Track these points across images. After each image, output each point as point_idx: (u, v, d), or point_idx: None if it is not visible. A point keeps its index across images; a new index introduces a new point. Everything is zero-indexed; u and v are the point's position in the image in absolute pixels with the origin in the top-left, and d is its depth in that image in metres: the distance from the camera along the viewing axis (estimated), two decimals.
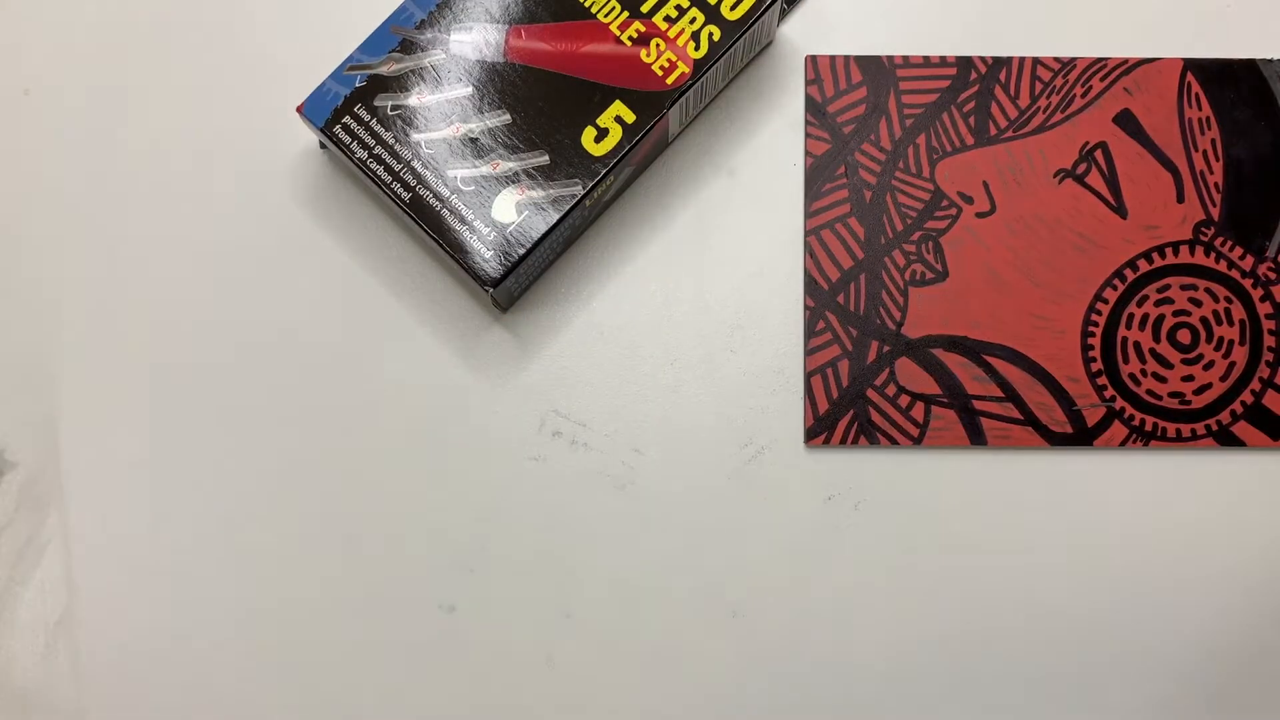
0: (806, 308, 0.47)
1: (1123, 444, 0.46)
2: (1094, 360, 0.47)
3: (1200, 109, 0.48)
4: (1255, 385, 0.46)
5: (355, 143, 0.44)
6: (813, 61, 0.49)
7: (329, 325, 0.47)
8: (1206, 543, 0.46)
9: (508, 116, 0.44)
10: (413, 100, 0.44)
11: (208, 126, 0.49)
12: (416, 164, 0.44)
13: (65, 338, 0.47)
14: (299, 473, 0.47)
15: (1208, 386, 0.46)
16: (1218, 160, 0.48)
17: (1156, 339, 0.47)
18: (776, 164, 0.48)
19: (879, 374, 0.46)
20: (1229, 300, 0.47)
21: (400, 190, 0.44)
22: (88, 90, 0.49)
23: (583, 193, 0.44)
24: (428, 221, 0.44)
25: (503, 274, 0.43)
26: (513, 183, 0.44)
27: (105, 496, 0.46)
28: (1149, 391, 0.46)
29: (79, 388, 0.47)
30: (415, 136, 0.44)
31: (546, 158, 0.44)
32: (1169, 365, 0.47)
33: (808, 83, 0.48)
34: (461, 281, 0.48)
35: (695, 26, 0.44)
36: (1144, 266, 0.47)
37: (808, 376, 0.47)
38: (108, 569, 0.46)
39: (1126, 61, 0.48)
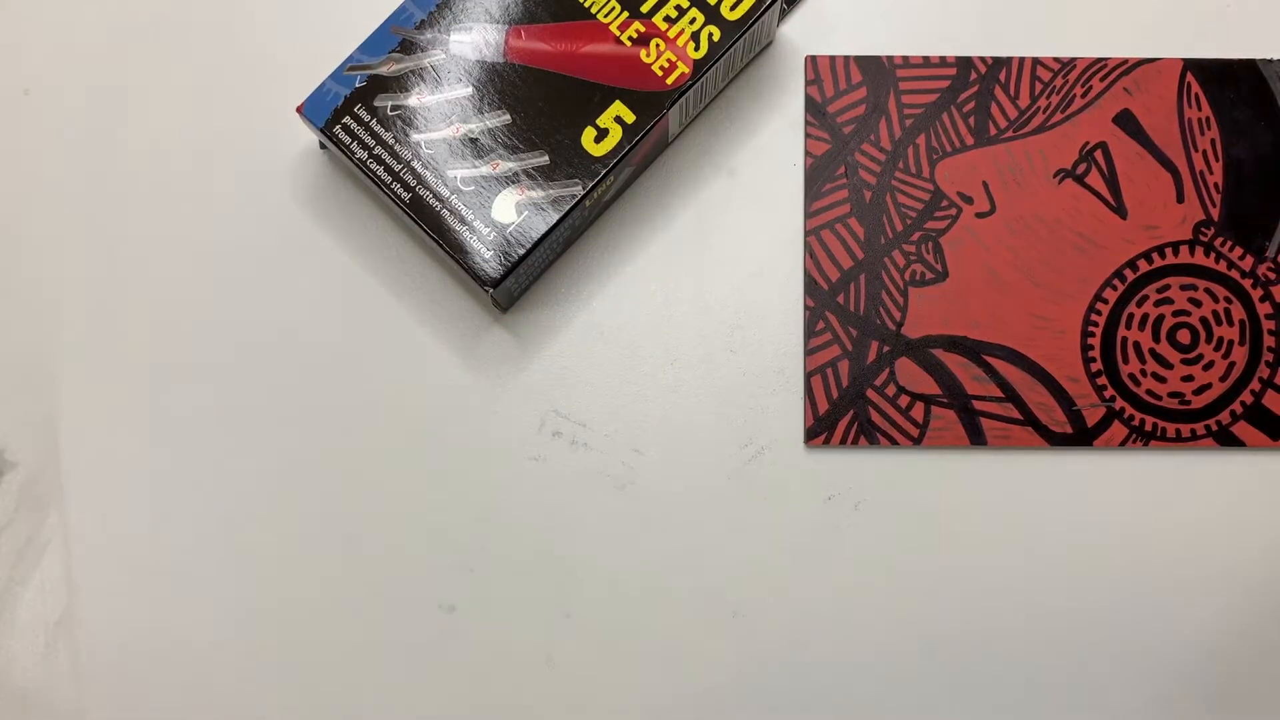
0: (806, 308, 0.47)
1: (1123, 444, 0.46)
2: (1094, 360, 0.47)
3: (1200, 109, 0.48)
4: (1255, 385, 0.46)
5: (355, 143, 0.44)
6: (813, 61, 0.49)
7: (329, 325, 0.47)
8: (1206, 543, 0.46)
9: (508, 116, 0.44)
10: (413, 100, 0.44)
11: (208, 126, 0.49)
12: (416, 164, 0.44)
13: (65, 338, 0.47)
14: (299, 473, 0.47)
15: (1207, 386, 0.46)
16: (1218, 160, 0.48)
17: (1156, 339, 0.47)
18: (776, 164, 0.48)
19: (879, 374, 0.46)
20: (1229, 300, 0.47)
21: (400, 190, 0.44)
22: (88, 90, 0.49)
23: (583, 193, 0.44)
24: (428, 221, 0.44)
25: (503, 274, 0.43)
26: (513, 183, 0.44)
27: (105, 496, 0.46)
28: (1149, 391, 0.46)
29: (79, 388, 0.47)
30: (415, 136, 0.44)
31: (546, 158, 0.44)
32: (1169, 365, 0.47)
33: (808, 83, 0.48)
34: (461, 281, 0.48)
35: (695, 27, 0.44)
36: (1144, 266, 0.47)
37: (808, 376, 0.47)
38: (108, 569, 0.46)
39: (1126, 61, 0.48)
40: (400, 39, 0.45)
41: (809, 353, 0.47)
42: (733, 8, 0.44)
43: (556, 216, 0.44)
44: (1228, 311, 0.47)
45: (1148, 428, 0.46)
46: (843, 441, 0.46)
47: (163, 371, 0.47)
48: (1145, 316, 0.47)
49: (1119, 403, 0.46)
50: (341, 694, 0.45)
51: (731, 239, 0.48)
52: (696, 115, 0.48)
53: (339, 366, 0.47)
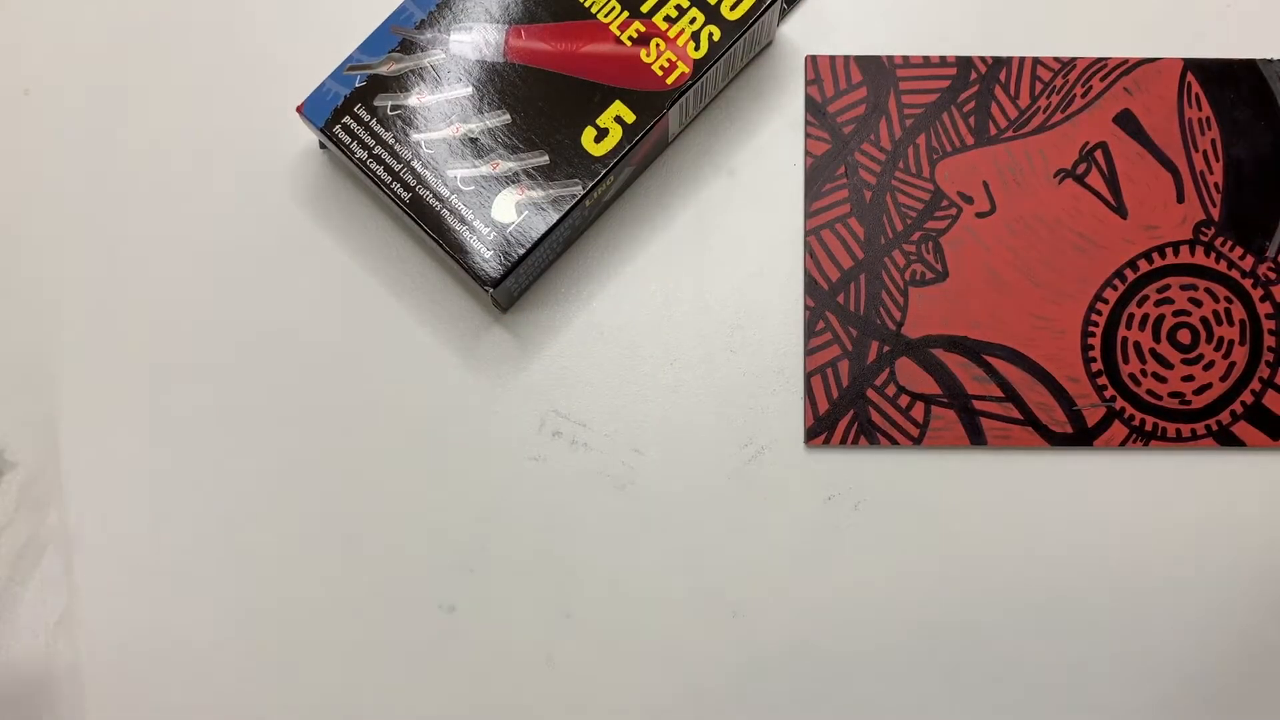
0: (806, 308, 0.47)
1: (1123, 444, 0.46)
2: (1094, 360, 0.47)
3: (1200, 109, 0.48)
4: (1255, 385, 0.46)
5: (355, 143, 0.44)
6: (813, 61, 0.49)
7: (329, 325, 0.47)
8: (1206, 543, 0.46)
9: (508, 116, 0.44)
10: (413, 100, 0.44)
11: (208, 126, 0.49)
12: (416, 164, 0.44)
13: (65, 338, 0.47)
14: (299, 473, 0.47)
15: (1208, 386, 0.46)
16: (1218, 160, 0.48)
17: (1156, 339, 0.47)
18: (776, 164, 0.48)
19: (879, 374, 0.46)
20: (1229, 300, 0.47)
21: (400, 190, 0.44)
22: (88, 90, 0.49)
23: (583, 193, 0.44)
24: (428, 221, 0.44)
25: (503, 274, 0.43)
26: (513, 183, 0.44)
27: (105, 496, 0.46)
28: (1149, 391, 0.46)
29: (79, 388, 0.47)
30: (415, 136, 0.44)
31: (546, 158, 0.44)
32: (1169, 365, 0.47)
33: (808, 83, 0.48)
34: (461, 281, 0.48)
35: (695, 26, 0.44)
36: (1144, 266, 0.47)
37: (808, 376, 0.47)
38: (108, 569, 0.46)
39: (1126, 61, 0.48)
40: (400, 39, 0.45)
41: (809, 353, 0.47)
42: (733, 8, 0.44)
43: (556, 216, 0.44)
44: (1228, 311, 0.47)
45: (1148, 428, 0.46)
46: (843, 441, 0.46)
47: (163, 371, 0.47)
48: (1145, 316, 0.47)
49: (1119, 403, 0.46)
50: (341, 694, 0.45)
51: (731, 239, 0.48)
52: (696, 115, 0.48)
53: (339, 366, 0.47)
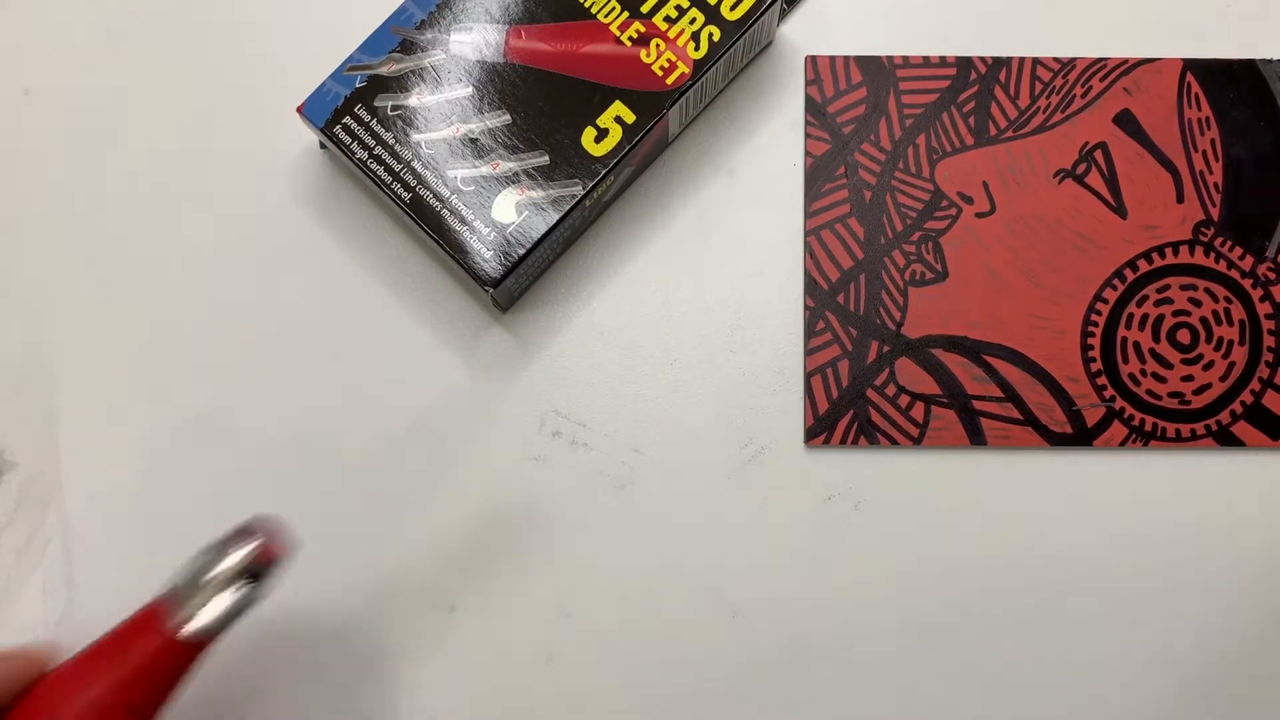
0: (806, 308, 0.47)
1: (1122, 444, 0.46)
2: (1094, 360, 0.47)
3: (1200, 109, 0.48)
4: (1255, 385, 0.46)
5: (355, 143, 0.44)
6: (813, 61, 0.49)
7: (329, 325, 0.47)
8: (1206, 543, 0.46)
9: (508, 117, 0.44)
10: (413, 100, 0.44)
11: (208, 126, 0.49)
12: (416, 164, 0.44)
13: (65, 338, 0.47)
14: (299, 473, 0.46)
15: (1207, 386, 0.46)
16: (1217, 160, 0.48)
17: (1156, 339, 0.47)
18: (776, 164, 0.48)
19: (879, 374, 0.46)
20: (1229, 300, 0.47)
21: (400, 190, 0.44)
22: (88, 90, 0.49)
23: (583, 193, 0.44)
24: (428, 221, 0.44)
25: (503, 274, 0.43)
26: (513, 183, 0.44)
27: (105, 496, 0.46)
28: (1149, 391, 0.46)
29: (79, 388, 0.47)
30: (415, 137, 0.44)
31: (546, 158, 0.44)
32: (1169, 365, 0.47)
33: (808, 83, 0.48)
34: (461, 281, 0.48)
35: (695, 27, 0.44)
36: (1144, 266, 0.47)
37: (808, 376, 0.47)
38: (108, 569, 0.46)
39: (1126, 61, 0.48)
40: (400, 39, 0.45)
41: (809, 353, 0.47)
42: (733, 8, 0.44)
43: (556, 216, 0.44)
44: (1228, 311, 0.47)
45: (1148, 428, 0.46)
46: (843, 441, 0.46)
47: (163, 371, 0.47)
48: (1145, 316, 0.47)
49: (1119, 403, 0.46)
50: (341, 694, 0.45)
51: (731, 239, 0.48)
52: (696, 115, 0.48)
53: (339, 366, 0.47)
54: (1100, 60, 0.48)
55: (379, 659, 0.46)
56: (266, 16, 0.49)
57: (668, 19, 0.45)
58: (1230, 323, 0.47)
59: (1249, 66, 0.48)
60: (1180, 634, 0.45)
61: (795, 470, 0.46)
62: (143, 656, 0.35)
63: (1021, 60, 0.48)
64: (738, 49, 0.46)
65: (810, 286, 0.47)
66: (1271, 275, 0.47)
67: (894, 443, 0.46)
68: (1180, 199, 0.47)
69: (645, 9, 0.45)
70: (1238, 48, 0.48)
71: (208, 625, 0.35)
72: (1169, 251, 0.47)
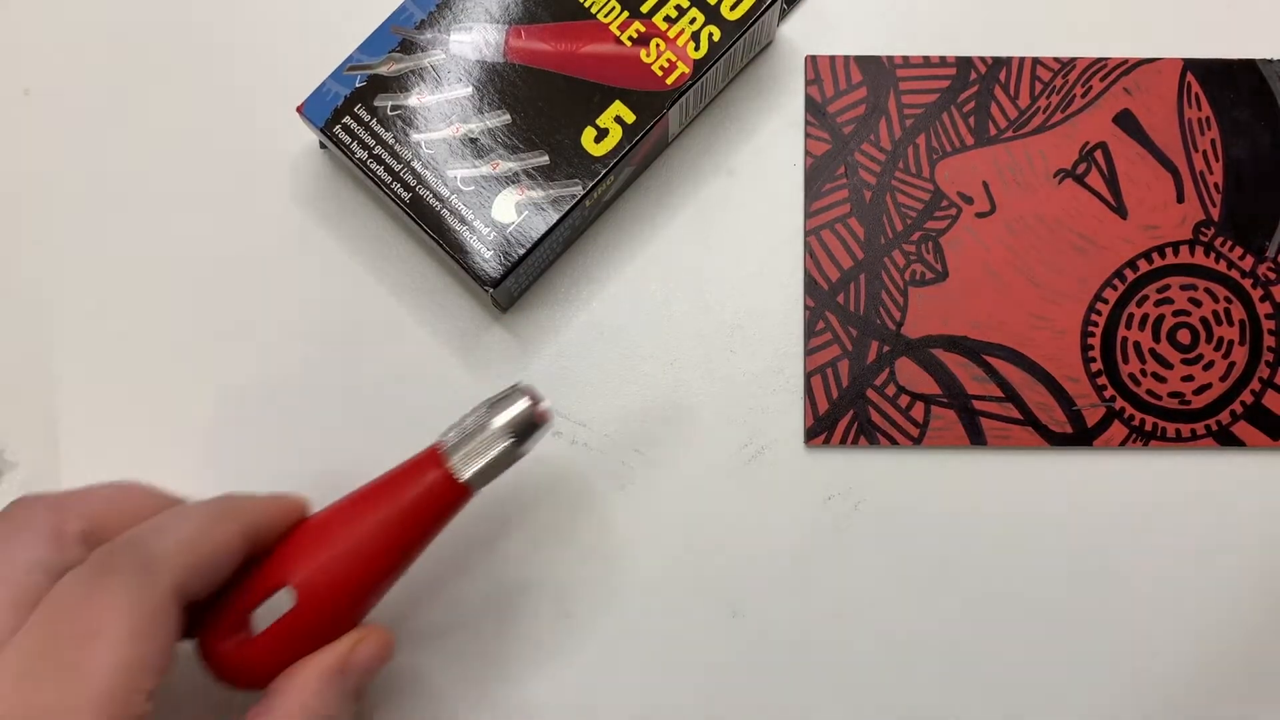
0: (806, 308, 0.47)
1: (1123, 444, 0.46)
2: (1094, 360, 0.47)
3: (1200, 109, 0.48)
4: (1255, 385, 0.46)
5: (355, 143, 0.44)
6: (813, 61, 0.49)
7: (329, 325, 0.47)
8: (1207, 543, 0.46)
9: (508, 116, 0.44)
10: (413, 100, 0.44)
11: (208, 126, 0.49)
12: (416, 164, 0.44)
13: (65, 338, 0.47)
14: (299, 473, 0.46)
15: (1208, 386, 0.46)
16: (1218, 160, 0.48)
17: (1156, 339, 0.47)
18: (776, 164, 0.48)
19: (879, 374, 0.46)
20: (1229, 300, 0.47)
21: (400, 190, 0.44)
22: (88, 90, 0.49)
23: (583, 193, 0.44)
24: (428, 221, 0.44)
25: (503, 274, 0.43)
26: (513, 183, 0.44)
27: None
28: (1149, 391, 0.46)
29: (79, 388, 0.47)
30: (415, 136, 0.44)
31: (546, 158, 0.44)
32: (1169, 365, 0.47)
33: (808, 83, 0.48)
34: (461, 281, 0.48)
35: (695, 26, 0.44)
36: (1144, 266, 0.47)
37: (808, 376, 0.47)
38: None
39: (1126, 61, 0.48)
40: (400, 39, 0.45)
41: (809, 353, 0.47)
42: (733, 8, 0.44)
43: (556, 216, 0.44)
44: (1228, 311, 0.47)
45: (1148, 428, 0.46)
46: (843, 441, 0.46)
47: (162, 371, 0.47)
48: (1145, 316, 0.47)
49: (1119, 403, 0.46)
50: None
51: (731, 239, 0.48)
52: (696, 115, 0.48)
53: (338, 367, 0.47)
54: (1100, 60, 0.48)
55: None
56: (266, 16, 0.49)
57: (668, 19, 0.45)
58: (1230, 323, 0.47)
59: (1249, 66, 0.48)
60: (1181, 634, 0.45)
61: (795, 470, 0.46)
62: (420, 491, 0.38)
63: (1021, 60, 0.48)
64: (738, 49, 0.46)
65: (810, 286, 0.47)
66: (1272, 275, 0.47)
67: (894, 443, 0.46)
68: (1180, 199, 0.47)
69: (645, 9, 0.45)
70: (1238, 48, 0.48)
71: (480, 470, 0.38)
72: (1169, 251, 0.47)
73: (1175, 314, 0.47)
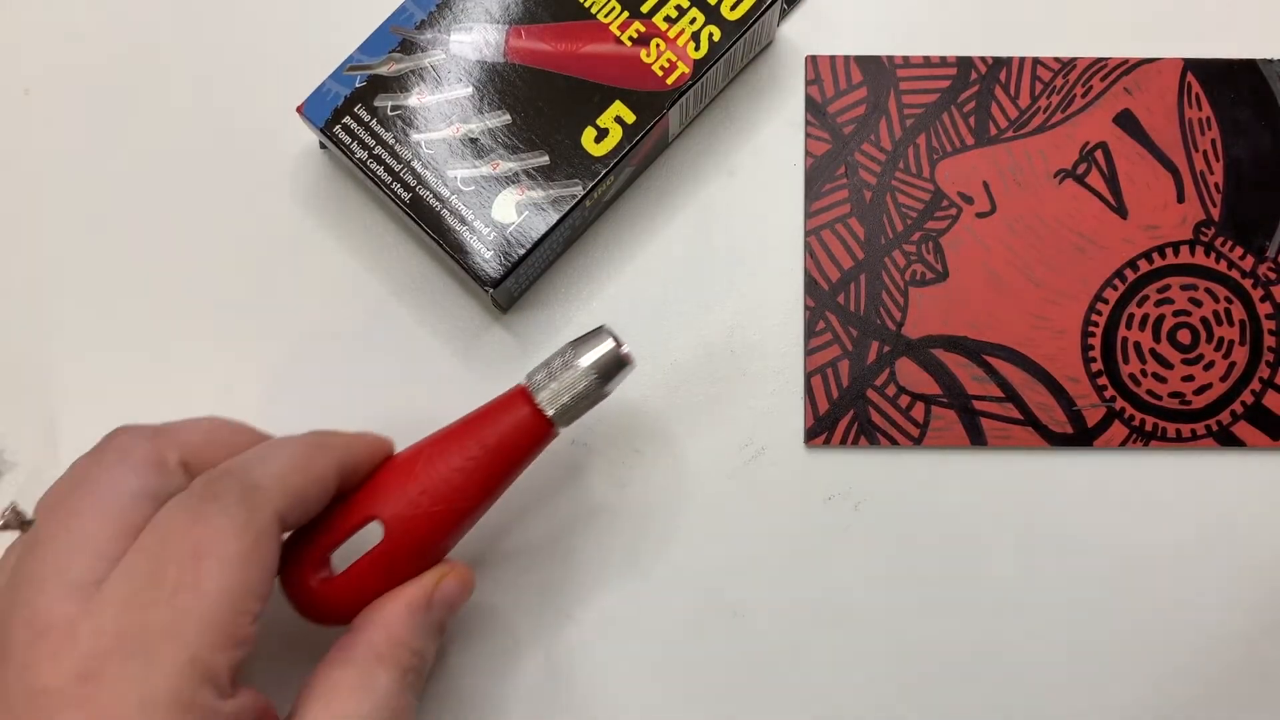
0: (806, 308, 0.47)
1: (1123, 444, 0.46)
2: (1094, 360, 0.47)
3: (1200, 109, 0.48)
4: (1255, 385, 0.46)
5: (355, 143, 0.44)
6: (813, 61, 0.49)
7: (329, 326, 0.47)
8: (1206, 543, 0.46)
9: (508, 116, 0.44)
10: (413, 100, 0.44)
11: (208, 126, 0.49)
12: (416, 164, 0.44)
13: (65, 338, 0.47)
14: None
15: (1208, 386, 0.46)
16: (1218, 160, 0.48)
17: (1157, 339, 0.47)
18: (776, 164, 0.48)
19: (879, 374, 0.46)
20: (1229, 300, 0.47)
21: (400, 190, 0.44)
22: (88, 90, 0.49)
23: (583, 193, 0.44)
24: (428, 222, 0.44)
25: (503, 274, 0.43)
26: (513, 183, 0.44)
27: None
28: (1149, 392, 0.46)
29: (79, 388, 0.47)
30: (415, 137, 0.44)
31: (546, 158, 0.44)
32: (1169, 365, 0.47)
33: (808, 83, 0.48)
34: (461, 281, 0.48)
35: (695, 27, 0.44)
36: (1144, 266, 0.47)
37: (808, 376, 0.47)
38: None
39: (1126, 61, 0.48)
40: (400, 39, 0.45)
41: (809, 353, 0.47)
42: (733, 8, 0.44)
43: (556, 216, 0.44)
44: (1228, 311, 0.47)
45: (1148, 428, 0.46)
46: (843, 441, 0.46)
47: (162, 371, 0.47)
48: (1145, 316, 0.47)
49: (1119, 403, 0.46)
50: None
51: (731, 239, 0.48)
52: (696, 115, 0.48)
53: (339, 366, 0.47)
54: (1100, 60, 0.48)
55: None
56: (266, 17, 0.49)
57: (668, 19, 0.45)
58: (1231, 323, 0.47)
59: (1249, 66, 0.48)
60: (1181, 634, 0.45)
61: (795, 470, 0.46)
62: (508, 428, 0.39)
63: (1021, 60, 0.48)
64: (738, 49, 0.46)
65: (810, 286, 0.47)
66: (1272, 275, 0.47)
67: (894, 443, 0.46)
68: (1181, 199, 0.47)
69: (645, 9, 0.45)
70: (1238, 48, 0.48)
71: (566, 406, 0.39)
72: (1169, 251, 0.47)
73: (1175, 314, 0.47)
